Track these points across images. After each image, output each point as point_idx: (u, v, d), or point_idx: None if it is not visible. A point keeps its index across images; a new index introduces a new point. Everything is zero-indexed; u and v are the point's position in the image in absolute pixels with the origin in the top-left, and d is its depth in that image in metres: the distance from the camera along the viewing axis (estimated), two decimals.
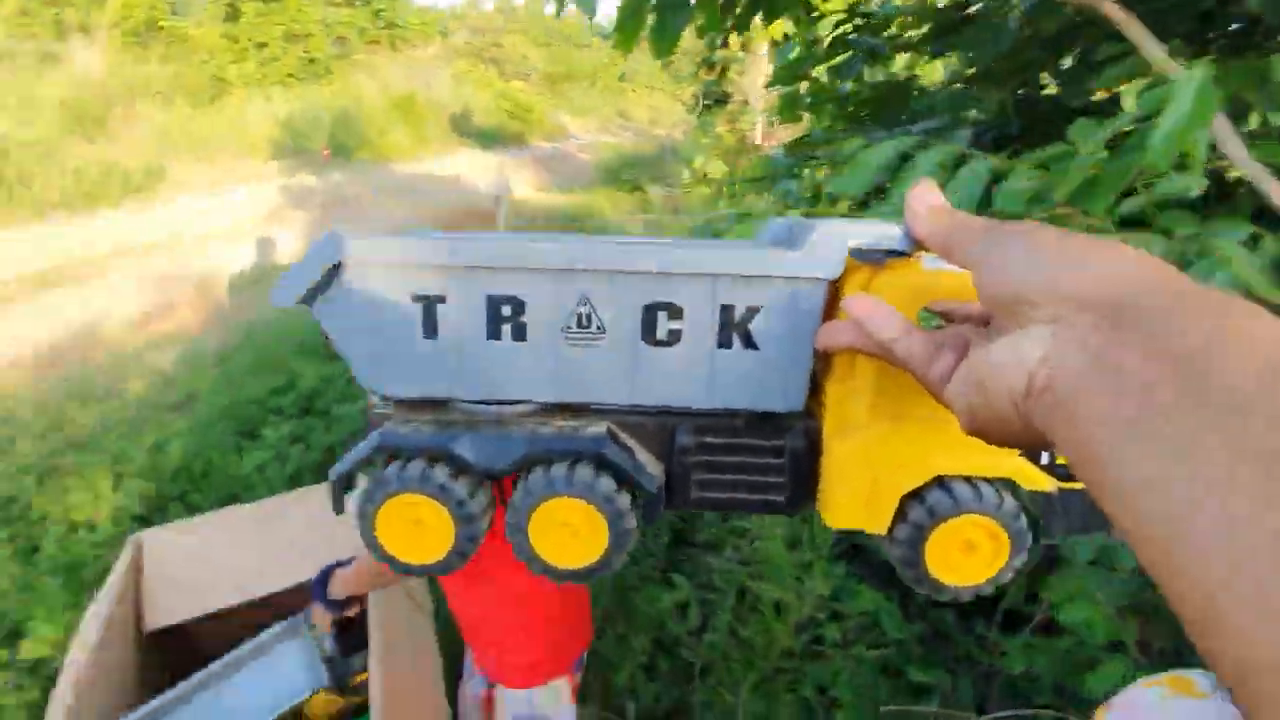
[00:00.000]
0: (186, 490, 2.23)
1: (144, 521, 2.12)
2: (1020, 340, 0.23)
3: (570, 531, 0.35)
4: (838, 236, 0.32)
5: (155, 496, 2.20)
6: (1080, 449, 0.20)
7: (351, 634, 1.03)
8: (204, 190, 7.59)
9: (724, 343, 0.34)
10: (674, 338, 0.34)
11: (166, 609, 1.34)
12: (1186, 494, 0.17)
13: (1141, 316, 0.20)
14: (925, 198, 0.29)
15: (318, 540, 1.36)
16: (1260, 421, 0.17)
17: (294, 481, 2.34)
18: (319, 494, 1.50)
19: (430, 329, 0.34)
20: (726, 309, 0.33)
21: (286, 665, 1.01)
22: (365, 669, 0.98)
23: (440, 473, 0.34)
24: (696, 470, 0.37)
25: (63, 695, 1.03)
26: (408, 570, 0.36)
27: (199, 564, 1.34)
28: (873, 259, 0.32)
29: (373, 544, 0.36)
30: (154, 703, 1.00)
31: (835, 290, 0.34)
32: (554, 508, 0.34)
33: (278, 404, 2.73)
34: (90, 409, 2.68)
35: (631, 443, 0.36)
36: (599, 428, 0.35)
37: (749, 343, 0.34)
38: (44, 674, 1.68)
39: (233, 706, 1.00)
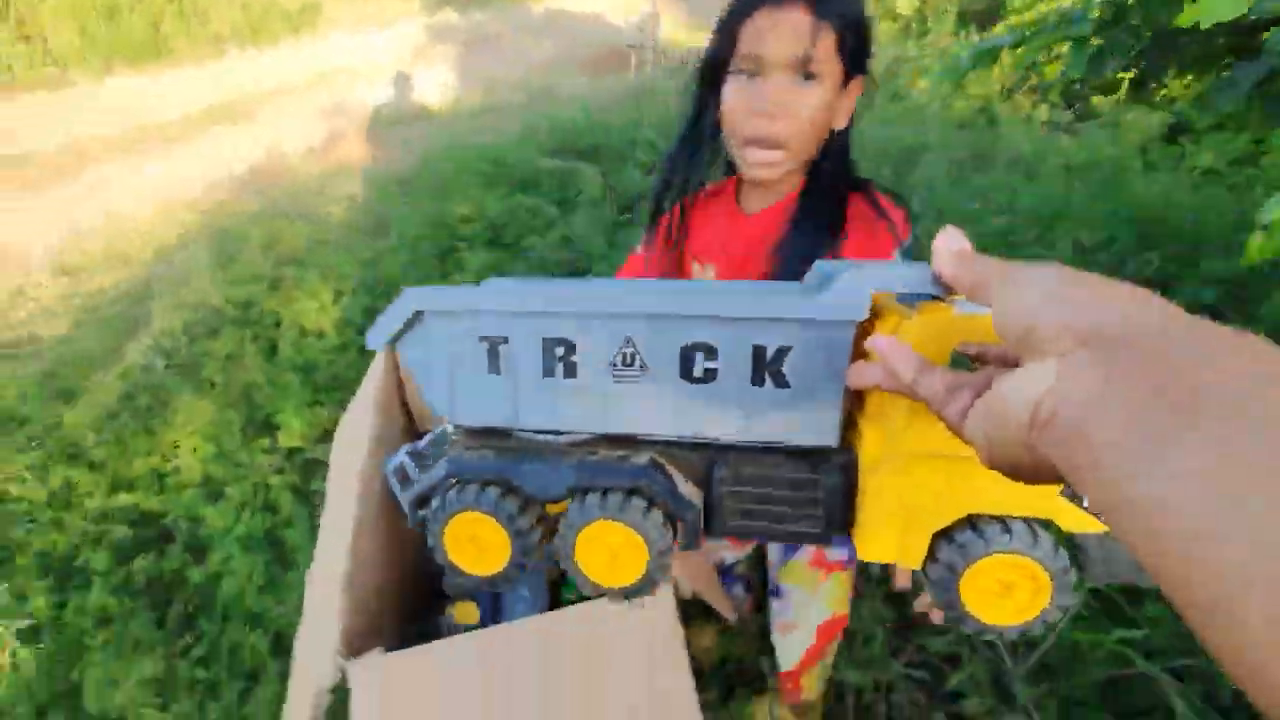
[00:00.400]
0: None
1: (363, 333, 2.20)
2: (1028, 374, 0.24)
3: (612, 553, 0.38)
4: (864, 280, 0.33)
5: (369, 310, 2.26)
6: (1085, 475, 0.22)
7: None
8: (354, 27, 7.55)
9: (757, 381, 0.35)
10: (710, 375, 0.35)
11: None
12: (1196, 509, 0.18)
13: (1144, 351, 0.21)
14: (952, 242, 0.30)
15: None
16: (1257, 441, 0.18)
17: None
18: None
19: (494, 367, 0.38)
20: (759, 349, 0.34)
21: None
22: None
23: (496, 493, 0.38)
24: (733, 500, 0.38)
25: (348, 481, 1.04)
26: (473, 582, 0.41)
27: None
28: (905, 302, 0.33)
29: (442, 556, 0.41)
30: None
31: (867, 331, 0.34)
32: (598, 531, 0.37)
33: (467, 232, 2.72)
34: (296, 228, 2.77)
35: (674, 472, 0.38)
36: (642, 458, 0.37)
37: (781, 381, 0.35)
38: (298, 462, 1.81)
39: None
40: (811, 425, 0.36)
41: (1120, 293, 0.24)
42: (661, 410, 0.37)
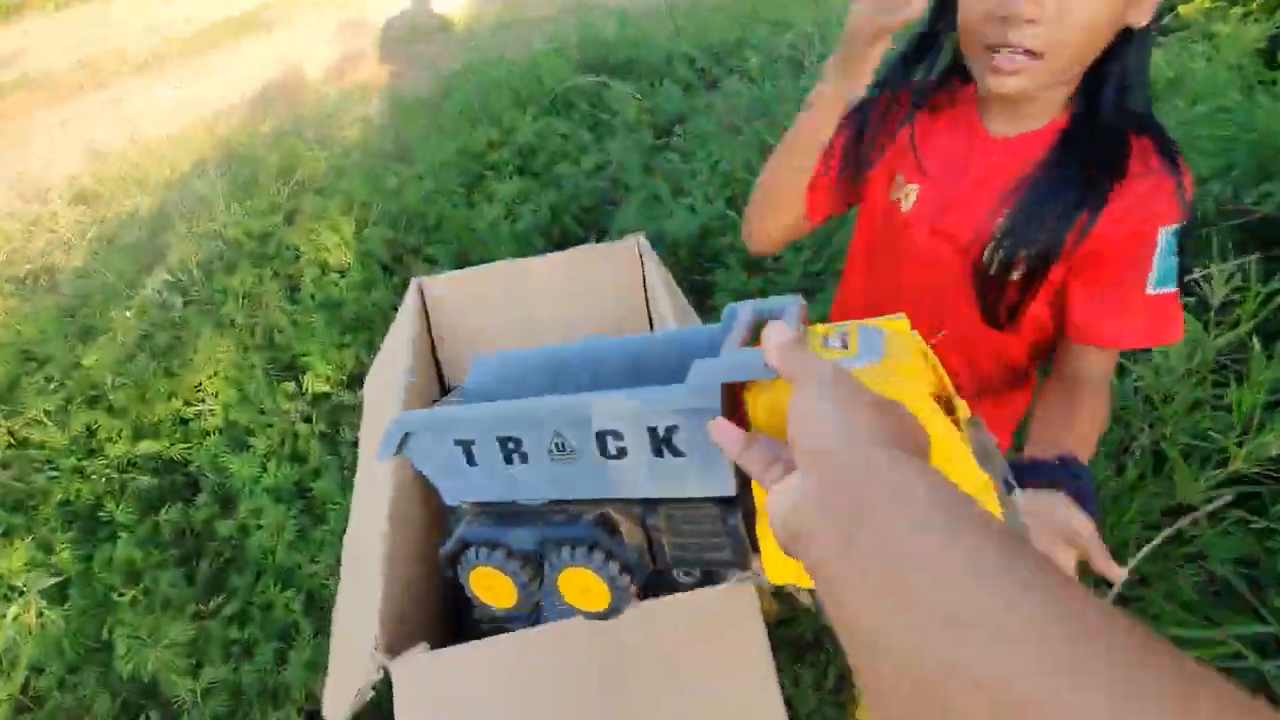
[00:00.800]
0: (422, 243, 2.14)
1: (387, 270, 2.07)
2: (785, 487, 0.30)
3: (584, 588, 0.50)
4: (711, 373, 0.38)
5: (392, 243, 2.12)
6: (812, 573, 0.27)
7: None
8: None
9: (657, 453, 0.43)
10: (622, 453, 0.44)
11: (456, 361, 1.25)
12: (867, 616, 0.24)
13: (847, 477, 0.27)
14: (778, 335, 0.35)
15: (603, 303, 1.18)
16: (911, 567, 0.23)
17: (521, 240, 2.19)
18: (588, 255, 1.30)
19: (470, 460, 0.49)
20: (652, 430, 0.42)
21: None
22: None
23: (500, 554, 0.52)
24: (666, 540, 0.48)
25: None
26: (494, 614, 0.61)
27: (484, 319, 1.21)
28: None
29: (473, 595, 0.56)
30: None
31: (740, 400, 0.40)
32: (570, 574, 0.49)
33: (495, 159, 2.53)
34: (314, 154, 2.61)
35: (623, 521, 0.49)
36: (592, 515, 0.48)
37: (677, 452, 0.42)
38: (325, 408, 1.72)
39: None
40: (709, 481, 0.43)
41: (849, 418, 0.29)
42: (595, 480, 0.46)
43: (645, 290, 1.22)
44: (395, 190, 2.31)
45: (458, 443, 0.48)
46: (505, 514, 0.52)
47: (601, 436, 0.43)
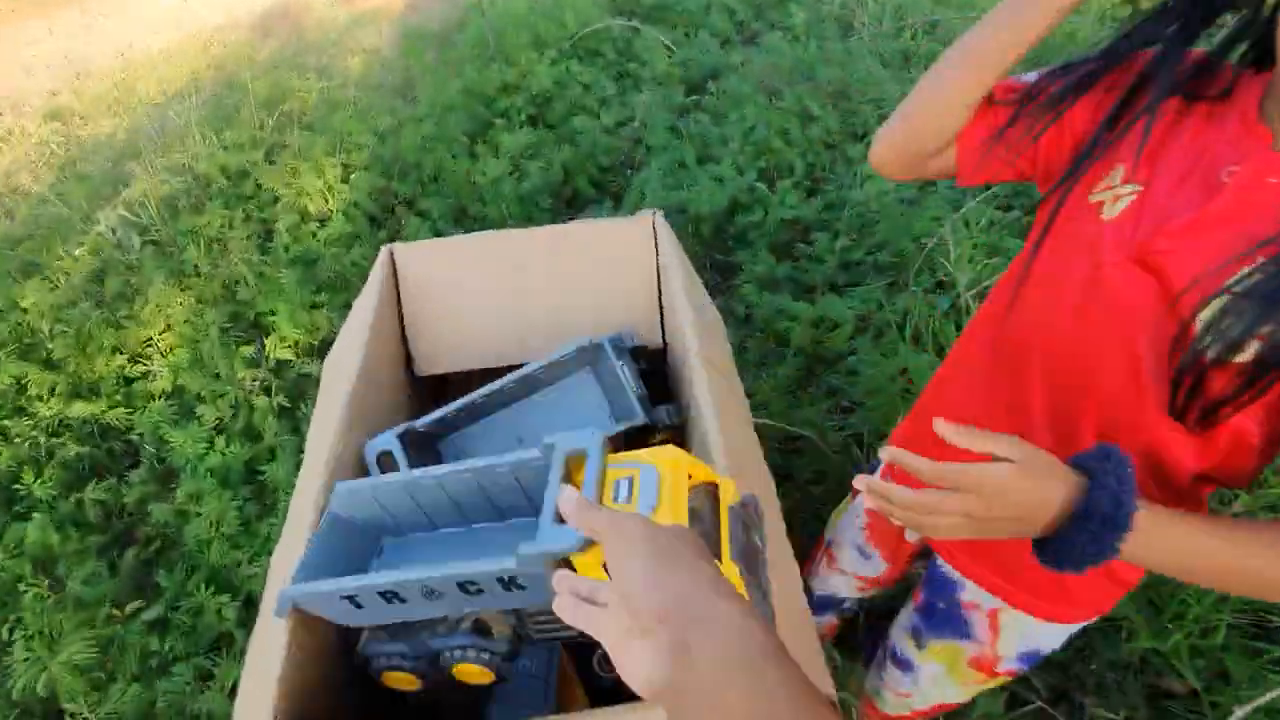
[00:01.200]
0: (416, 195, 1.92)
1: (375, 223, 1.85)
2: (635, 657, 0.31)
3: (477, 673, 0.62)
4: (535, 557, 0.48)
5: (382, 193, 1.90)
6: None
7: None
8: None
9: (506, 589, 0.55)
10: (479, 592, 0.56)
11: (430, 342, 1.06)
12: None
13: (691, 634, 0.30)
14: (569, 502, 0.39)
15: (610, 281, 1.01)
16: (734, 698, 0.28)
17: (526, 200, 1.96)
18: (593, 230, 1.09)
19: (358, 607, 0.60)
20: (500, 577, 0.54)
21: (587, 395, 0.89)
22: (671, 424, 0.88)
23: (397, 659, 0.63)
24: (528, 627, 0.64)
25: (335, 410, 0.82)
26: (406, 696, 0.66)
27: (466, 297, 1.02)
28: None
29: (385, 685, 0.65)
30: (435, 413, 0.86)
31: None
32: (459, 666, 0.62)
33: (505, 106, 2.28)
34: (310, 84, 2.36)
35: (494, 624, 0.63)
36: (468, 623, 0.63)
37: (520, 586, 0.55)
38: (287, 377, 1.52)
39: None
40: (550, 598, 0.47)
41: (684, 575, 0.32)
42: (462, 605, 0.58)
43: (658, 274, 1.03)
44: (392, 131, 2.07)
45: (344, 598, 0.58)
46: (396, 629, 0.64)
47: (463, 585, 0.55)
